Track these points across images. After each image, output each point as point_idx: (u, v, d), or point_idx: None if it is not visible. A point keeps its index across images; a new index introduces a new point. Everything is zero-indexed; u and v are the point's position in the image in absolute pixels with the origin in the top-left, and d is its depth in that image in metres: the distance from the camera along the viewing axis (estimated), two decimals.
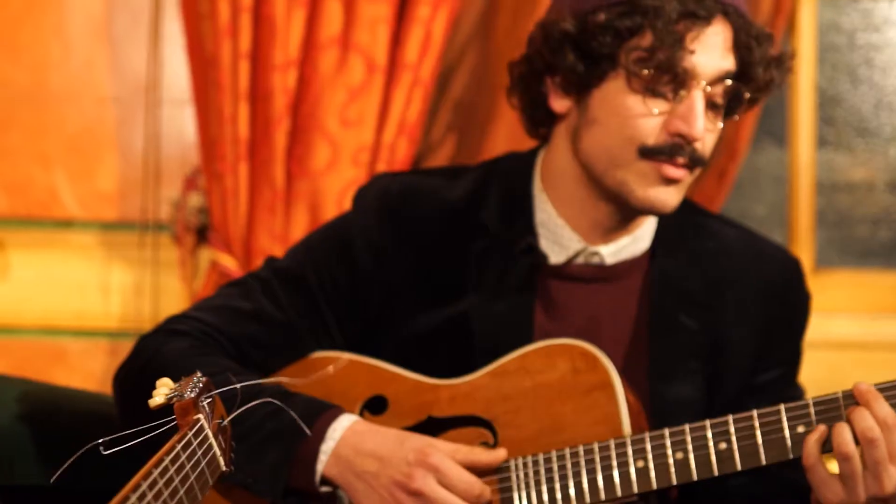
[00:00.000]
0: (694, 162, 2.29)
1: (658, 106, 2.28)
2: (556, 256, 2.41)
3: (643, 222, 2.43)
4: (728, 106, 2.33)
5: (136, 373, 2.35)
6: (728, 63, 2.29)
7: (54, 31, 3.84)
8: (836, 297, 3.86)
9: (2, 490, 2.43)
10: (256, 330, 2.41)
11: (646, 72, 2.27)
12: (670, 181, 2.29)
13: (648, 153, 2.29)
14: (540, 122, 2.43)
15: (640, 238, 2.43)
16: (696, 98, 2.27)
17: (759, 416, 2.18)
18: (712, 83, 2.29)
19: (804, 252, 3.87)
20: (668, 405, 2.34)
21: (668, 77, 2.27)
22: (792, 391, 2.45)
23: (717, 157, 3.61)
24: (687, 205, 2.47)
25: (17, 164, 3.84)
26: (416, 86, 3.57)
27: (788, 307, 2.47)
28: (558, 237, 2.40)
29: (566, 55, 2.32)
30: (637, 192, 2.31)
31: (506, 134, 3.62)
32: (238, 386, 1.95)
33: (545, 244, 2.41)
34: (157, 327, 2.44)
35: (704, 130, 2.29)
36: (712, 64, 2.28)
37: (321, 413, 2.23)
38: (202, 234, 3.73)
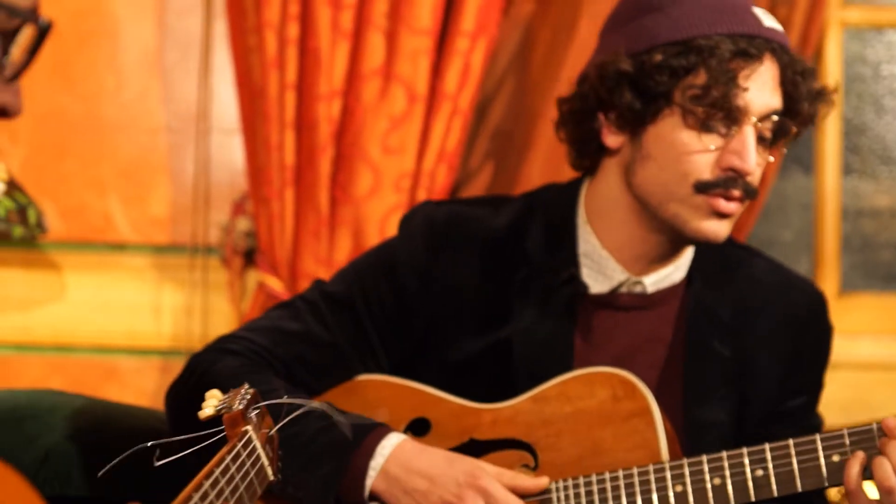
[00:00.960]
0: (747, 194, 2.28)
1: (713, 142, 2.27)
2: (598, 286, 2.39)
3: (685, 252, 2.42)
4: (774, 138, 2.32)
5: (188, 390, 2.33)
6: (776, 100, 2.28)
7: (108, 62, 3.86)
8: (860, 319, 3.84)
9: (58, 501, 2.44)
10: (304, 350, 2.39)
11: (700, 109, 2.26)
12: (722, 215, 2.28)
13: (704, 188, 2.27)
14: (588, 155, 2.42)
15: (679, 267, 2.41)
16: (748, 134, 2.26)
17: (796, 444, 2.16)
18: (762, 119, 2.27)
19: (830, 276, 3.85)
20: (701, 428, 2.32)
21: (722, 114, 2.26)
22: (813, 419, 2.43)
23: (753, 200, 3.63)
24: None
25: (73, 190, 3.85)
26: (455, 115, 3.57)
27: (814, 338, 2.45)
28: (602, 267, 2.38)
29: (623, 93, 2.30)
30: (691, 224, 2.30)
31: (542, 162, 3.62)
32: (285, 399, 1.94)
33: (587, 273, 2.39)
34: (208, 346, 2.43)
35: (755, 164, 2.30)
36: (763, 100, 2.27)
37: (371, 431, 2.21)
38: (250, 257, 3.75)
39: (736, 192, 2.26)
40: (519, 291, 2.38)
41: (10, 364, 3.89)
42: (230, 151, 3.84)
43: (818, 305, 2.46)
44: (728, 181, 2.26)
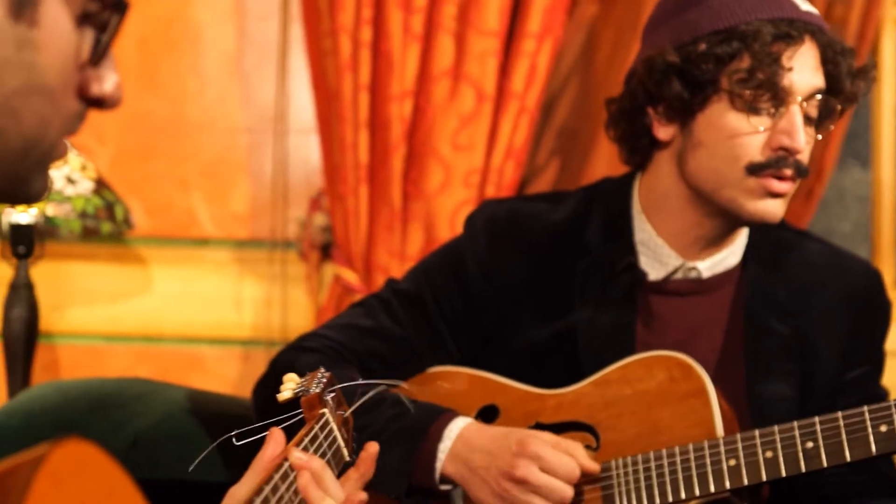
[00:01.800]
0: (799, 173, 2.29)
1: (761, 123, 2.27)
2: (655, 273, 2.40)
3: (738, 237, 2.42)
4: (820, 118, 2.32)
5: (272, 388, 2.36)
6: (819, 79, 2.29)
7: (191, 67, 3.89)
8: None
9: (146, 483, 2.47)
10: (379, 346, 2.42)
11: (747, 92, 2.27)
12: (776, 195, 2.29)
13: (756, 169, 2.28)
14: (640, 150, 2.43)
15: (732, 252, 2.42)
16: (795, 113, 2.26)
17: (844, 416, 2.17)
18: (807, 98, 2.28)
19: (886, 265, 3.84)
20: (766, 404, 2.33)
21: (769, 95, 2.27)
22: (877, 389, 2.43)
23: (804, 178, 3.62)
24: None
25: (159, 188, 3.88)
26: (522, 113, 3.57)
27: (872, 313, 2.45)
28: (658, 255, 2.40)
29: (671, 84, 2.32)
30: (747, 207, 2.30)
31: (606, 158, 3.60)
32: (360, 382, 1.95)
33: (644, 262, 2.40)
34: (289, 345, 2.46)
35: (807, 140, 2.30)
36: (806, 80, 2.27)
37: (438, 416, 2.24)
38: (326, 251, 3.76)
39: (788, 172, 2.27)
40: (580, 281, 2.39)
41: (100, 354, 3.91)
42: (307, 150, 3.86)
43: (874, 281, 2.47)
44: (779, 160, 2.27)
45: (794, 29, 2.27)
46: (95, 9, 1.24)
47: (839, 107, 2.32)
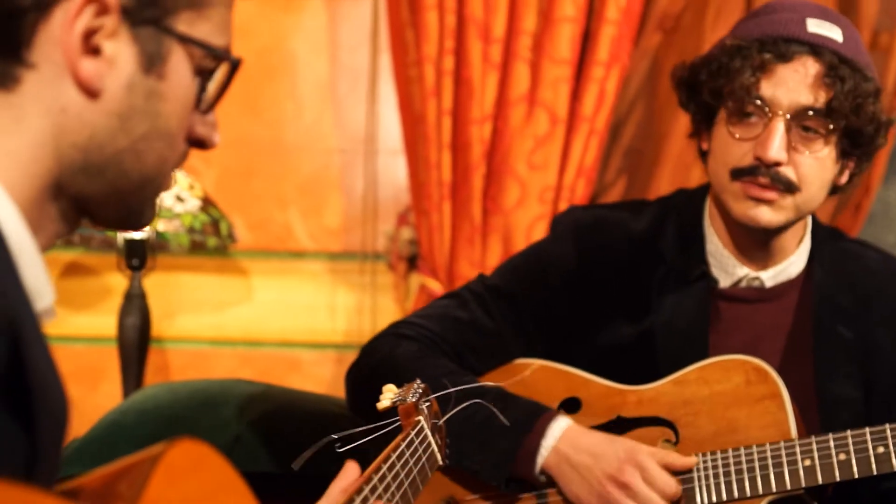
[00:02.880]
0: (779, 183, 2.25)
1: (748, 133, 2.26)
2: (723, 281, 2.38)
3: (799, 247, 2.39)
4: (824, 133, 2.25)
5: (369, 371, 2.36)
6: (808, 97, 2.23)
7: (288, 93, 3.91)
8: None
9: (248, 478, 2.54)
10: (472, 337, 2.41)
11: (732, 103, 2.26)
12: (759, 200, 2.26)
13: (735, 174, 2.27)
14: (701, 161, 2.44)
15: (794, 263, 2.39)
16: (774, 126, 2.23)
17: None
18: (796, 114, 2.23)
19: None
20: (834, 403, 2.31)
21: (752, 106, 2.24)
22: None
23: (852, 192, 3.57)
24: (835, 233, 2.47)
25: (259, 205, 3.91)
26: (591, 135, 3.56)
27: None
28: (724, 265, 2.38)
29: (685, 102, 2.37)
30: (735, 210, 2.29)
31: (669, 176, 3.62)
32: (452, 390, 1.95)
33: (714, 271, 2.39)
34: (384, 331, 2.44)
35: (794, 156, 2.24)
36: (792, 97, 2.23)
37: (542, 414, 2.24)
38: (412, 263, 3.79)
39: (762, 180, 2.24)
40: (658, 287, 2.38)
41: (206, 357, 3.95)
42: (395, 170, 3.87)
43: None
44: (754, 169, 2.24)
45: (785, 47, 2.23)
46: (211, 65, 1.34)
47: (833, 125, 2.24)
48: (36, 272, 1.18)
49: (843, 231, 2.59)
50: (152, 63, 1.25)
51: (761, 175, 2.25)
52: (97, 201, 1.29)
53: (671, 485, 2.18)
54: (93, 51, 1.22)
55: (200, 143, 1.34)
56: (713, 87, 2.29)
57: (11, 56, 1.20)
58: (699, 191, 2.46)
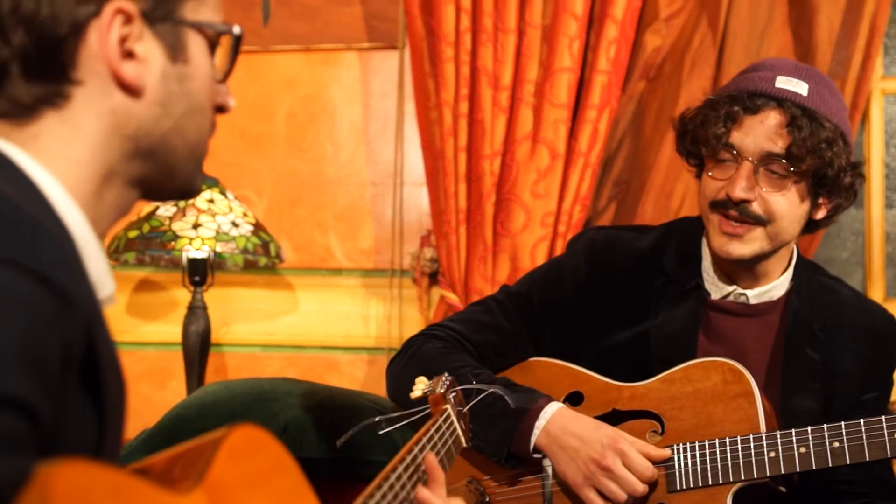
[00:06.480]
0: (748, 217, 2.23)
1: (719, 173, 2.25)
2: (714, 294, 2.35)
3: (781, 274, 2.36)
4: (787, 175, 2.22)
5: (405, 363, 2.36)
6: (773, 144, 2.20)
7: (328, 135, 3.91)
8: None
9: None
10: (493, 338, 2.40)
11: (707, 150, 2.26)
12: (731, 235, 2.24)
13: (713, 206, 2.26)
14: None
15: (777, 287, 2.35)
16: (741, 168, 2.22)
17: (865, 423, 2.13)
18: (762, 159, 2.21)
19: (877, 286, 3.75)
20: (796, 414, 2.27)
21: (724, 153, 2.23)
22: (885, 410, 2.37)
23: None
24: (816, 268, 2.43)
25: (303, 230, 3.90)
26: (586, 168, 3.55)
27: (888, 348, 2.39)
28: (715, 281, 2.35)
29: (679, 145, 2.36)
30: (713, 244, 2.28)
31: (652, 203, 3.58)
32: (475, 385, 1.96)
33: (707, 285, 2.36)
34: (421, 332, 2.45)
35: (762, 193, 2.22)
36: (756, 143, 2.21)
37: (537, 399, 2.22)
38: (434, 278, 3.77)
39: (733, 213, 2.22)
40: (657, 296, 2.35)
41: (257, 359, 3.93)
42: (418, 199, 3.86)
43: (890, 322, 2.40)
44: (723, 202, 2.23)
45: (752, 101, 2.21)
46: (216, 40, 1.32)
47: (794, 168, 2.21)
48: (98, 265, 1.16)
49: (800, 248, 2.56)
50: (176, 52, 1.24)
51: (730, 208, 2.23)
52: (153, 180, 1.27)
53: (649, 468, 2.16)
54: (128, 55, 1.21)
55: (221, 109, 1.33)
56: (695, 136, 2.29)
57: (61, 79, 1.19)
58: (699, 217, 2.43)
